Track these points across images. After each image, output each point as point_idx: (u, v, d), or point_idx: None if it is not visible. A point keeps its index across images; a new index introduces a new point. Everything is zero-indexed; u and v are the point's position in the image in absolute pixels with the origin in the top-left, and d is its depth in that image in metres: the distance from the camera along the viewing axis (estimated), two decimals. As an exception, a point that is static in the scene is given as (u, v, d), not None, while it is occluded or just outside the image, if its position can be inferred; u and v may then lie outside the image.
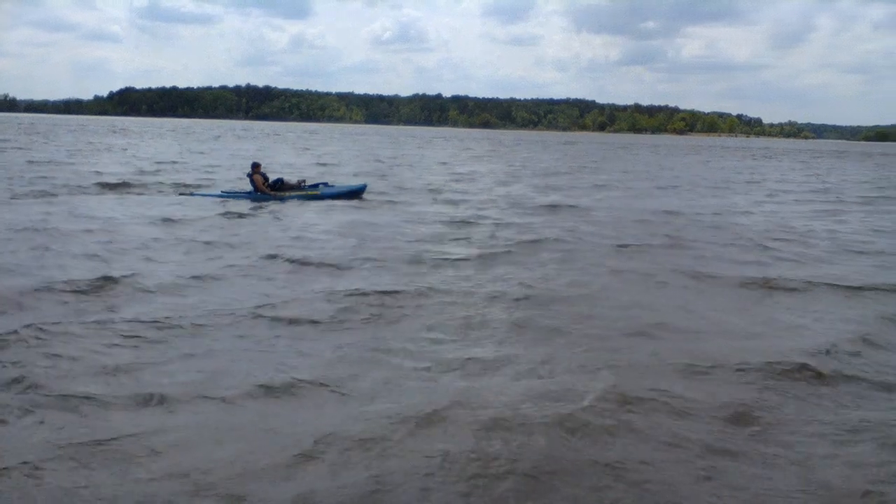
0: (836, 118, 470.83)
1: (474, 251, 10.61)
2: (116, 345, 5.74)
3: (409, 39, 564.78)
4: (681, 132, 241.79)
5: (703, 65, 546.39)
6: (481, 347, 6.00)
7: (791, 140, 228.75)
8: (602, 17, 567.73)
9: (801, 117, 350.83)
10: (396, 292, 7.72)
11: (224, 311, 6.84)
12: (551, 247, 11.20)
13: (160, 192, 17.08)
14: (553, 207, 17.23)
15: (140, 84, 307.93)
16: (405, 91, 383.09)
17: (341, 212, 15.32)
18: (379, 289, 7.82)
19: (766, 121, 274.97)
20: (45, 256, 9.14)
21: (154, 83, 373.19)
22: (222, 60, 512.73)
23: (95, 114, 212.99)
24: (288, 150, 45.28)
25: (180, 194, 16.48)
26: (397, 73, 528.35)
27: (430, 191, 21.00)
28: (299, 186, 17.75)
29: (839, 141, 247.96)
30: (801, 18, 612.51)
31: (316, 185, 18.10)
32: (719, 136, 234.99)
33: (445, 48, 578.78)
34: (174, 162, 28.94)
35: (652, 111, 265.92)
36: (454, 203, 17.85)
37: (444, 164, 35.86)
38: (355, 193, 18.34)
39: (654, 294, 8.20)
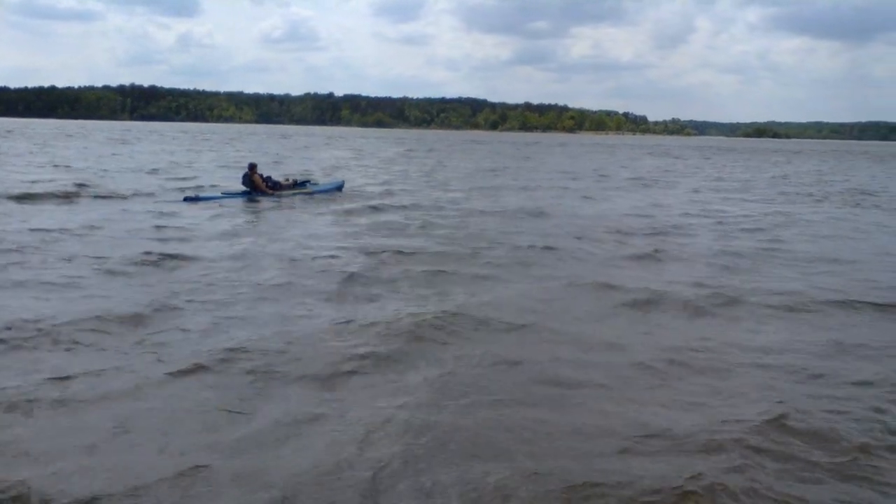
0: (716, 116, 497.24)
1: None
2: None
3: (300, 38, 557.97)
4: (570, 130, 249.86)
5: (591, 64, 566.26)
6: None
7: (678, 137, 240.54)
8: (492, 17, 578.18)
9: (684, 115, 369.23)
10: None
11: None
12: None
13: (167, 199, 17.43)
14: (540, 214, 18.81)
15: (15, 83, 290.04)
16: (296, 90, 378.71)
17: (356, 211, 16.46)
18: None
19: (651, 118, 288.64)
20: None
21: (31, 83, 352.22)
22: (105, 59, 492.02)
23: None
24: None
25: (185, 199, 16.94)
26: (288, 72, 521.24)
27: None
28: (294, 185, 18.88)
29: (721, 137, 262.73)
30: (682, 20, 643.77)
31: (304, 184, 19.26)
32: (607, 133, 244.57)
33: (337, 47, 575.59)
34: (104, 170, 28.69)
35: (542, 110, 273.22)
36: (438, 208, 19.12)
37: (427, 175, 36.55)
38: (338, 188, 19.97)
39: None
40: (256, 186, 17.78)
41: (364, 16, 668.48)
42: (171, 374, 5.40)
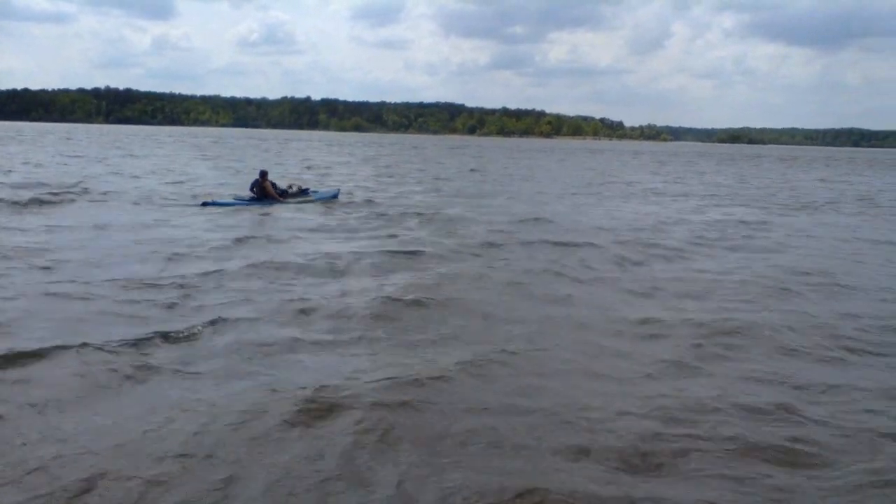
0: (691, 121, 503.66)
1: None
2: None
3: (278, 42, 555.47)
4: (547, 135, 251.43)
5: (568, 69, 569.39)
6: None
7: (655, 143, 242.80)
8: (471, 22, 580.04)
9: (660, 120, 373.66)
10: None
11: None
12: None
13: (185, 203, 17.80)
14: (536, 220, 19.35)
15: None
16: (273, 94, 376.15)
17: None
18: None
19: (627, 123, 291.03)
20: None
21: (3, 85, 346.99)
22: (79, 62, 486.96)
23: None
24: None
25: (203, 204, 17.27)
26: (265, 75, 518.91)
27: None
28: (299, 192, 19.26)
29: (696, 143, 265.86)
30: (659, 25, 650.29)
31: (306, 191, 19.61)
32: (584, 138, 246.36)
33: (314, 51, 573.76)
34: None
35: (519, 115, 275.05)
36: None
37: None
38: (334, 197, 20.35)
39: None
40: (267, 193, 18.11)
41: (342, 19, 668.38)
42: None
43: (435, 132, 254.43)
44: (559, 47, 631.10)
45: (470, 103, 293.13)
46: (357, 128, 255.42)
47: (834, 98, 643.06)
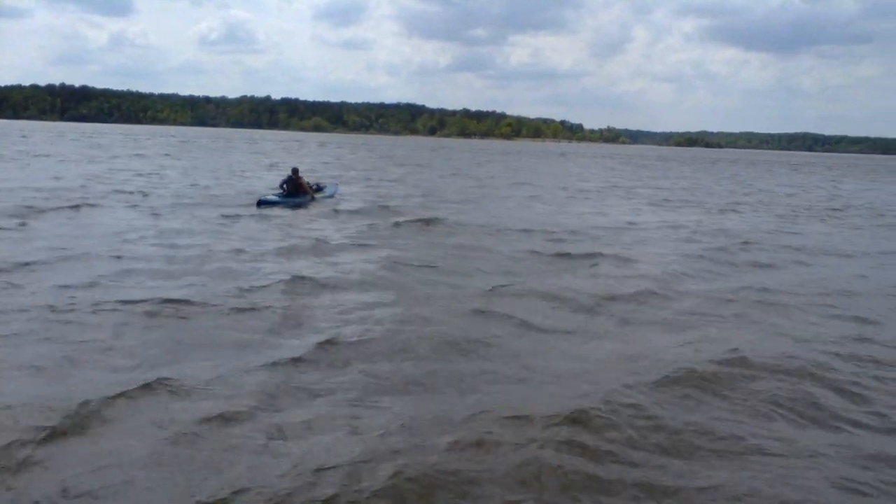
0: (650, 124, 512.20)
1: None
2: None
3: (238, 40, 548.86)
4: (508, 137, 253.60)
5: (529, 72, 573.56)
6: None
7: (613, 145, 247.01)
8: (433, 23, 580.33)
9: (619, 123, 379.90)
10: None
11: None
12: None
13: (241, 204, 19.06)
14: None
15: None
16: (233, 93, 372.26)
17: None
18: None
19: (587, 126, 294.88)
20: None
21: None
22: (34, 58, 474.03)
23: None
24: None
25: (259, 204, 18.50)
26: (225, 74, 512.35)
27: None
28: (321, 189, 20.59)
29: (654, 146, 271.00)
30: (619, 29, 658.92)
31: (322, 188, 20.94)
32: (544, 141, 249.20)
33: (275, 50, 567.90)
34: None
35: (480, 116, 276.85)
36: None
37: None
38: (336, 193, 21.77)
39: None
40: (304, 190, 19.34)
41: (304, 19, 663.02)
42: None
43: (396, 133, 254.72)
44: (520, 50, 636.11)
45: (431, 104, 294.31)
46: (317, 128, 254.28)
47: (790, 103, 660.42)
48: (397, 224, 15.71)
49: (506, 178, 35.75)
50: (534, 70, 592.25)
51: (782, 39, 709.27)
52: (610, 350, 7.04)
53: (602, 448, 4.77)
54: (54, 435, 4.64)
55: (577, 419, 5.13)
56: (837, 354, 7.11)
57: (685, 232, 16.72)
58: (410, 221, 16.17)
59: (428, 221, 16.19)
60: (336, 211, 18.11)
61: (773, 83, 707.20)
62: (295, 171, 19.67)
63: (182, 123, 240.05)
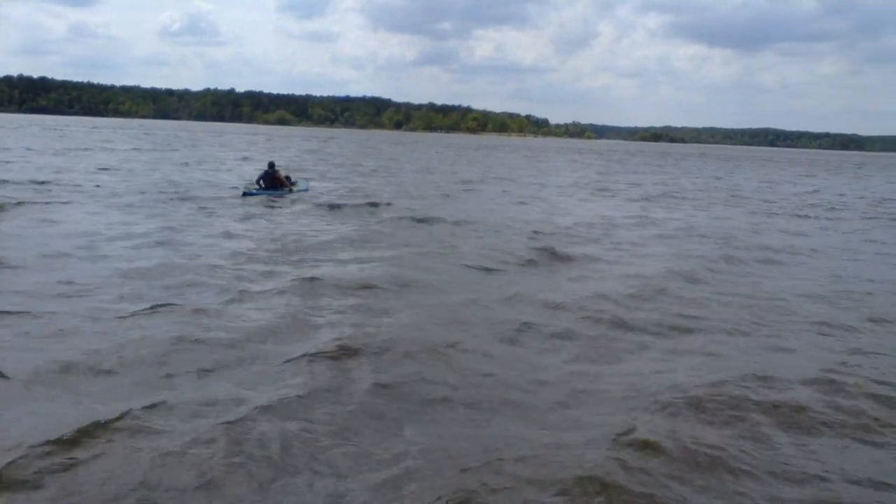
0: (615, 119, 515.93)
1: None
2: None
3: (201, 32, 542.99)
4: (473, 131, 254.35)
5: (494, 66, 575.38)
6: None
7: (579, 140, 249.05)
8: (398, 17, 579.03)
9: (585, 118, 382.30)
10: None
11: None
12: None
13: (224, 195, 19.00)
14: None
15: None
16: (196, 86, 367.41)
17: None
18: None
19: (552, 121, 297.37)
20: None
21: None
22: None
23: None
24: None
25: (243, 195, 18.57)
26: (188, 66, 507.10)
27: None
28: (294, 183, 20.52)
29: (619, 141, 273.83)
30: (584, 24, 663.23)
31: (295, 182, 20.90)
32: (510, 135, 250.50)
33: (239, 42, 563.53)
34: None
35: (446, 110, 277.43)
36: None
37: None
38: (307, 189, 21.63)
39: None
40: (281, 183, 19.33)
41: (267, 11, 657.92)
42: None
43: (361, 127, 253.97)
44: (485, 44, 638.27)
45: (397, 98, 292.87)
46: (282, 121, 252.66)
47: (752, 99, 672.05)
48: (383, 220, 15.65)
49: (497, 182, 35.29)
50: (498, 64, 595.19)
51: (745, 36, 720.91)
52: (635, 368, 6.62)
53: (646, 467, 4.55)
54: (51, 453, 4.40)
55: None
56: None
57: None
58: (401, 219, 15.99)
59: (421, 220, 15.76)
60: (318, 206, 18.02)
61: (735, 79, 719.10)
62: (272, 164, 19.77)
63: (144, 116, 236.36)
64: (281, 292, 8.54)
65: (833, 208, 24.64)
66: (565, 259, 11.82)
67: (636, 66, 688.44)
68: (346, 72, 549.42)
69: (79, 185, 19.75)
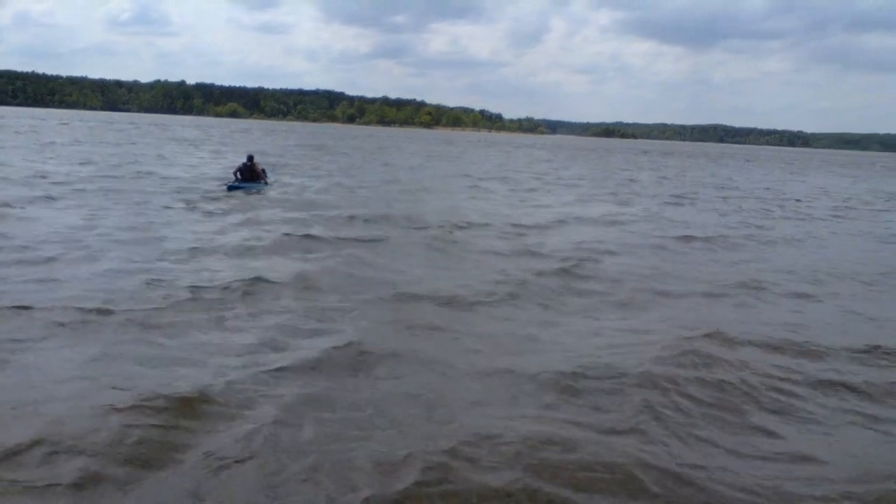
0: (568, 115, 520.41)
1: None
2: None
3: (150, 22, 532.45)
4: (427, 126, 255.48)
5: (448, 61, 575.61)
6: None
7: (534, 135, 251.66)
8: (353, 9, 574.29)
9: (538, 113, 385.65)
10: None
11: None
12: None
13: (213, 188, 20.45)
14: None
15: None
16: (146, 77, 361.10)
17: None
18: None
19: (506, 116, 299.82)
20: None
21: None
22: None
23: None
24: None
25: (228, 188, 20.07)
26: (137, 57, 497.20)
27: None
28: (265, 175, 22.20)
29: (572, 136, 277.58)
30: (538, 19, 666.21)
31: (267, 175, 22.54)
32: (464, 130, 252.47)
33: (190, 33, 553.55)
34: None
35: (400, 104, 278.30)
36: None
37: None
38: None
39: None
40: (259, 176, 21.13)
41: (220, 1, 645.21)
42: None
43: (314, 120, 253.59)
44: (440, 38, 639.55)
45: (350, 92, 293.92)
46: (233, 114, 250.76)
47: (701, 95, 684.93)
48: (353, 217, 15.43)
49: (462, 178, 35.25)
50: (453, 59, 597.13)
51: (695, 33, 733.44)
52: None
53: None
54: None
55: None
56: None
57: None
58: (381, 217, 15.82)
59: (389, 217, 15.50)
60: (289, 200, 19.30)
61: (685, 76, 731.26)
62: (250, 157, 21.37)
63: (92, 108, 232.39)
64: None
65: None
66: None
67: (589, 62, 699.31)
68: (299, 64, 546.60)
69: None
